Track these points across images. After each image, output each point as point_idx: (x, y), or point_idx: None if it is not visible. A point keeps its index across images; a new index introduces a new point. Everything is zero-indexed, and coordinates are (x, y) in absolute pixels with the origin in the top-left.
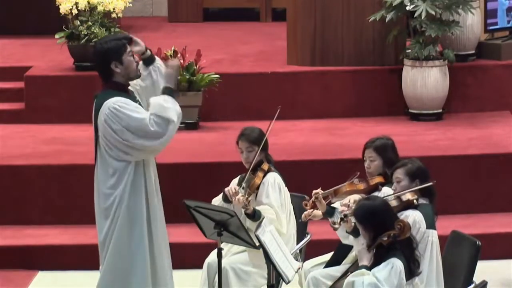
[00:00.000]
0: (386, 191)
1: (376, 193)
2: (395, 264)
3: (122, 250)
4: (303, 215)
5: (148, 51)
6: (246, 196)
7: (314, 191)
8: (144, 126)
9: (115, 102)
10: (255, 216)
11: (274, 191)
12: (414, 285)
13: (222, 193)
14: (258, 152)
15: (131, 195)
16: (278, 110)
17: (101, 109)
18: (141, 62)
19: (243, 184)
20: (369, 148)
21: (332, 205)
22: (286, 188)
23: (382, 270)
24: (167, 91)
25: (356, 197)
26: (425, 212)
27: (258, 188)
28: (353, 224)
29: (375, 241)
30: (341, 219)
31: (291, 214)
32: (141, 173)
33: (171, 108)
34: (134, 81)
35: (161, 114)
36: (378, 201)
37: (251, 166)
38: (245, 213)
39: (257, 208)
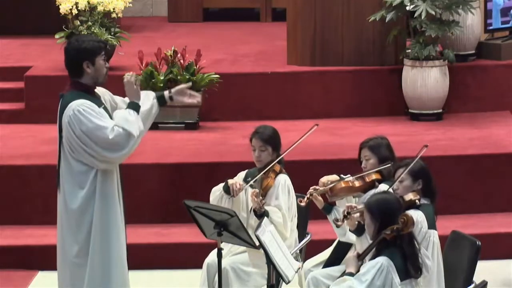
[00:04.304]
0: (383, 188)
1: (372, 190)
2: (383, 264)
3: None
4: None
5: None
6: (261, 197)
7: (310, 188)
8: (104, 135)
9: (80, 105)
10: (263, 215)
11: (283, 194)
12: (414, 286)
13: (224, 184)
14: (271, 152)
15: (100, 202)
16: (315, 127)
17: (65, 110)
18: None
19: (252, 183)
20: (364, 147)
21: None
22: (293, 191)
23: (368, 271)
24: (132, 105)
25: (331, 177)
26: (426, 212)
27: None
28: (356, 222)
29: (379, 235)
30: (344, 216)
31: (296, 217)
32: (106, 178)
33: (134, 122)
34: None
35: (124, 126)
36: (393, 196)
37: (265, 168)
38: (255, 213)
39: (266, 208)
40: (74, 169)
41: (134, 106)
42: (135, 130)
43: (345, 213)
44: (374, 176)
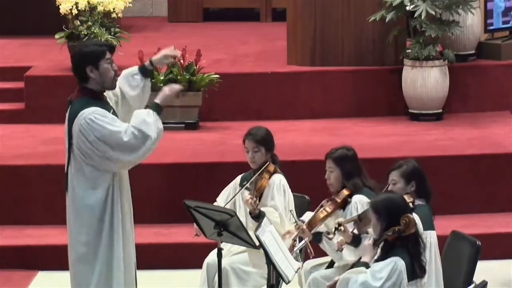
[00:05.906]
0: (358, 199)
1: (349, 206)
2: (397, 264)
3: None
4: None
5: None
6: (254, 198)
7: (295, 227)
8: (118, 139)
9: (91, 113)
10: (259, 217)
11: (279, 194)
12: (419, 286)
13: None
14: (264, 153)
15: (112, 204)
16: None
17: (76, 118)
18: (137, 69)
19: (248, 185)
20: (328, 158)
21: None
22: (290, 190)
23: (383, 269)
24: (154, 106)
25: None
26: (422, 213)
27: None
28: (351, 234)
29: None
30: (336, 228)
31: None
32: (118, 186)
33: (152, 123)
34: (118, 90)
35: (141, 128)
36: (397, 195)
37: (260, 169)
38: (251, 215)
39: (261, 209)
40: (87, 175)
41: (156, 107)
42: (152, 132)
43: (336, 225)
44: (344, 194)
